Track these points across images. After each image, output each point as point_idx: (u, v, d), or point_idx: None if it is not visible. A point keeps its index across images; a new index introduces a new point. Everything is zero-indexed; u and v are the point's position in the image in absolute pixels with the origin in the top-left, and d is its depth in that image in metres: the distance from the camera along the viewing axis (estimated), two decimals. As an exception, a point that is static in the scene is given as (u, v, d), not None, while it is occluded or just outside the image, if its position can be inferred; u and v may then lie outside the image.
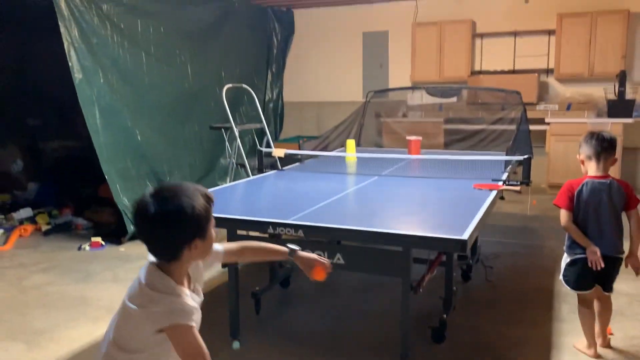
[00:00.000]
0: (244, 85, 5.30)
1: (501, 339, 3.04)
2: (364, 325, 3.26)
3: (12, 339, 3.11)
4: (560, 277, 2.85)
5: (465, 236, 2.21)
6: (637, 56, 6.78)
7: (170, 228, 1.43)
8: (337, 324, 3.29)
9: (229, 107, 5.40)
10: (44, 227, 5.42)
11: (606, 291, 2.74)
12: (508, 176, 3.67)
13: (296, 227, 2.50)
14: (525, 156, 3.46)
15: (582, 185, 2.69)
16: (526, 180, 3.37)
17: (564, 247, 2.81)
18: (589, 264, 2.63)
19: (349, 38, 8.09)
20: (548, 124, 6.72)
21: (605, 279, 2.71)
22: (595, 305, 2.82)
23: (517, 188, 3.35)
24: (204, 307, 1.61)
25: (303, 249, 1.91)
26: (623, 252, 2.71)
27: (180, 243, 1.46)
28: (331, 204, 2.99)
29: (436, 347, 2.94)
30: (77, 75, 4.71)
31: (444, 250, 3.01)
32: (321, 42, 8.26)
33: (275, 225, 2.56)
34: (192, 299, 1.51)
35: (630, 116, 6.36)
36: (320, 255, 1.97)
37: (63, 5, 4.59)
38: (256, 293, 3.37)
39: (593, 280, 2.72)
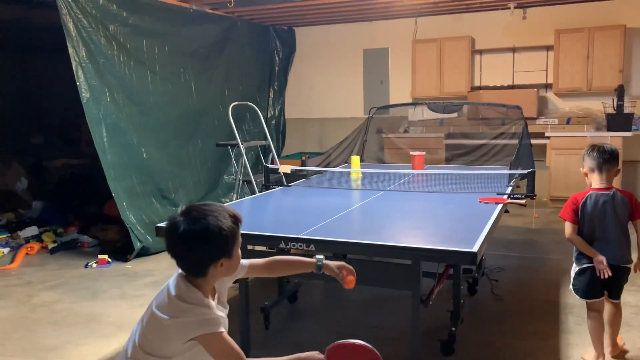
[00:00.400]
0: (249, 103, 5.38)
1: (510, 351, 3.06)
2: (372, 339, 3.26)
3: (24, 356, 3.13)
4: (570, 286, 2.89)
5: (475, 248, 2.25)
6: (634, 70, 6.88)
7: (198, 247, 1.50)
8: (345, 338, 3.30)
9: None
10: (50, 245, 5.45)
11: (612, 298, 2.80)
12: (512, 190, 3.72)
13: (308, 241, 2.54)
14: (530, 170, 3.50)
15: (586, 198, 2.75)
16: (531, 194, 3.42)
17: (573, 258, 2.86)
18: (597, 273, 2.69)
19: (349, 55, 8.20)
20: (548, 138, 6.80)
21: (612, 288, 2.78)
22: (605, 314, 2.85)
23: (523, 202, 3.40)
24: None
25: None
26: (631, 262, 2.76)
27: (206, 261, 1.53)
28: (340, 219, 3.03)
29: (446, 360, 2.96)
30: (84, 94, 4.77)
31: (454, 262, 3.04)
32: (322, 59, 8.37)
33: (287, 240, 2.60)
34: (219, 310, 1.56)
35: (629, 130, 6.44)
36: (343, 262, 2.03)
37: (71, 26, 4.68)
38: (265, 308, 3.39)
39: (602, 289, 2.78)
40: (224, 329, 1.52)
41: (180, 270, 1.59)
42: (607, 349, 2.88)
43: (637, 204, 2.76)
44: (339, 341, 1.64)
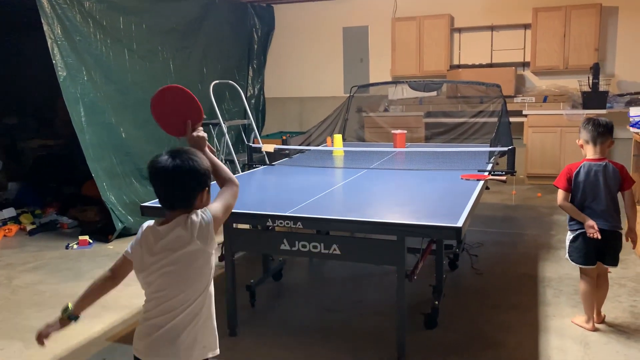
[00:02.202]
0: (231, 82, 5.33)
1: (491, 323, 3.15)
2: (357, 314, 3.34)
3: (8, 337, 3.11)
4: (566, 255, 3.04)
5: (460, 223, 2.31)
6: (609, 49, 6.99)
7: (190, 179, 1.68)
8: (331, 314, 3.36)
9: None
10: (29, 227, 5.37)
11: (608, 264, 2.95)
12: (492, 167, 3.79)
13: (295, 219, 2.56)
14: (510, 147, 3.57)
15: (580, 167, 2.91)
16: (511, 170, 3.49)
17: (567, 225, 3.03)
18: (588, 235, 2.84)
19: (329, 33, 8.15)
20: (525, 116, 6.90)
21: (606, 254, 2.92)
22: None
23: (503, 178, 3.46)
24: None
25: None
26: (621, 228, 2.93)
27: (196, 190, 1.70)
28: (325, 197, 3.06)
29: (429, 333, 3.03)
30: (61, 72, 4.68)
31: (439, 237, 3.10)
32: (301, 37, 8.31)
33: (274, 217, 2.62)
34: None
35: (604, 107, 6.57)
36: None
37: (45, 2, 4.55)
38: (251, 286, 3.42)
39: (595, 256, 2.93)
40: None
41: (150, 223, 1.75)
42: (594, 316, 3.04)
43: (627, 175, 2.91)
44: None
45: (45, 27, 4.55)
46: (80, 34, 4.89)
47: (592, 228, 2.82)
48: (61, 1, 4.69)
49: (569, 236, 2.99)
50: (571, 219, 2.97)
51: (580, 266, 2.98)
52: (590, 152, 2.93)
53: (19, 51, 7.66)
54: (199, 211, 1.70)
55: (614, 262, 2.94)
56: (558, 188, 2.96)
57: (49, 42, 4.58)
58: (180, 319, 1.66)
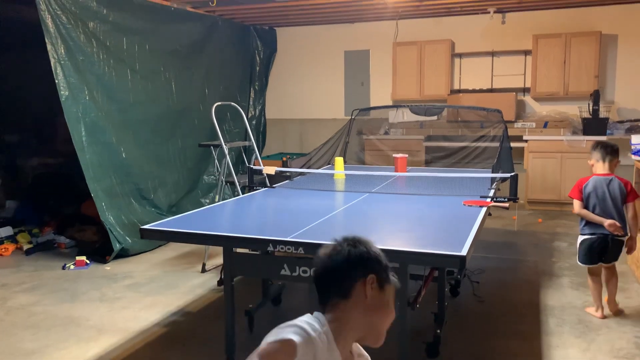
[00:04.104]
0: (233, 104, 5.34)
1: (493, 352, 3.10)
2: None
3: (2, 361, 3.05)
4: (577, 257, 3.57)
5: (464, 252, 2.27)
6: (609, 76, 7.04)
7: (346, 258, 1.43)
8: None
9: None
10: (26, 246, 5.32)
11: (607, 262, 3.45)
12: (494, 193, 3.77)
13: (297, 244, 2.52)
14: (512, 173, 3.56)
15: (589, 181, 3.44)
16: (513, 197, 3.47)
17: (579, 230, 3.53)
18: (610, 231, 3.31)
19: (330, 56, 8.21)
20: (526, 141, 6.91)
21: (607, 256, 3.42)
22: (603, 278, 3.54)
23: (505, 205, 3.45)
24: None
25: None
26: (624, 235, 3.39)
27: (354, 274, 1.42)
28: (327, 221, 3.03)
29: (431, 362, 2.98)
30: (63, 92, 4.68)
31: (443, 266, 3.06)
32: (303, 60, 8.36)
33: (275, 242, 2.58)
34: None
35: (604, 134, 6.59)
36: None
37: (50, 22, 4.57)
38: (250, 311, 3.37)
39: (598, 258, 3.43)
40: (297, 340, 1.31)
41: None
42: (607, 306, 3.53)
43: (631, 190, 3.40)
44: None
45: (49, 47, 4.56)
46: (83, 53, 4.90)
47: (613, 225, 3.28)
48: (65, 21, 4.71)
49: (579, 239, 3.50)
50: (583, 225, 3.46)
51: (586, 266, 3.50)
52: (599, 169, 3.45)
53: (20, 68, 7.68)
54: None
55: (611, 261, 3.44)
56: (573, 199, 3.46)
57: (52, 61, 4.59)
58: None
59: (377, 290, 1.43)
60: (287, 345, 1.30)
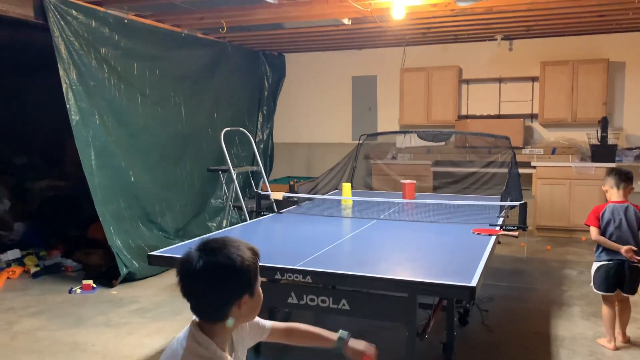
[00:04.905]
0: (242, 129, 5.38)
1: (503, 384, 3.04)
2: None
3: (6, 387, 3.03)
4: (591, 284, 3.52)
5: (474, 283, 2.25)
6: (617, 103, 7.04)
7: (220, 282, 1.36)
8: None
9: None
10: (33, 269, 5.32)
11: (626, 293, 3.42)
12: (503, 220, 3.75)
13: (304, 273, 2.51)
14: (522, 202, 3.54)
15: (606, 208, 3.45)
16: (522, 225, 3.45)
17: (594, 257, 3.50)
18: (628, 258, 3.29)
19: (338, 82, 8.27)
20: (534, 167, 6.89)
21: (624, 284, 3.39)
22: (617, 308, 3.50)
23: (515, 233, 3.42)
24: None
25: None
26: None
27: (229, 299, 1.38)
28: (335, 248, 3.02)
29: (440, 394, 2.93)
30: (74, 117, 4.72)
31: (453, 297, 3.03)
32: (311, 85, 8.43)
33: (282, 271, 2.57)
34: None
35: (613, 161, 6.55)
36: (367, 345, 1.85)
37: (63, 48, 4.64)
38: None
39: (615, 284, 3.40)
40: None
41: (190, 323, 1.45)
42: (618, 337, 3.51)
43: None
44: None
45: (61, 72, 4.63)
46: (94, 79, 4.97)
47: (629, 251, 3.28)
48: (78, 47, 4.78)
49: (594, 266, 3.48)
50: (599, 252, 3.44)
51: (602, 293, 3.44)
52: (614, 196, 3.47)
53: (30, 92, 7.80)
54: None
55: (632, 291, 3.39)
56: (590, 226, 3.46)
57: (64, 86, 4.65)
58: None
59: (250, 300, 1.42)
60: None
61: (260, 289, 1.47)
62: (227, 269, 1.36)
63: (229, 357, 1.42)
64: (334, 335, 1.76)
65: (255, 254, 1.44)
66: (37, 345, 3.63)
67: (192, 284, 1.39)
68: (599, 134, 6.62)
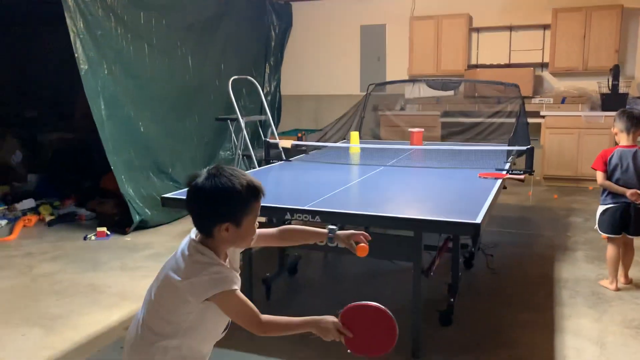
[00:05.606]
0: (249, 78, 5.36)
1: (506, 322, 3.14)
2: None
3: (30, 324, 3.17)
4: (596, 226, 3.57)
5: (478, 220, 2.31)
6: (630, 51, 6.92)
7: (204, 204, 1.52)
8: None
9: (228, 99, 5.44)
10: (48, 218, 5.45)
11: (632, 235, 3.45)
12: (510, 166, 3.78)
13: (313, 213, 2.58)
14: (529, 146, 3.56)
15: (614, 153, 3.42)
16: (529, 170, 3.48)
17: (599, 201, 3.54)
18: (632, 200, 3.31)
19: (346, 31, 8.16)
20: (543, 117, 6.86)
21: (630, 226, 3.41)
22: (621, 251, 3.55)
23: (521, 177, 3.45)
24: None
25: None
26: None
27: (211, 220, 1.52)
28: (343, 192, 3.08)
29: (444, 331, 3.04)
30: (82, 66, 4.74)
31: (457, 234, 3.10)
32: (319, 35, 8.33)
33: (292, 211, 2.64)
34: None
35: (623, 109, 6.49)
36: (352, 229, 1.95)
37: (69, -4, 4.61)
38: (267, 279, 3.45)
39: (620, 227, 3.43)
40: (237, 287, 1.53)
41: (193, 234, 1.60)
42: (620, 279, 3.57)
43: None
44: (352, 304, 1.63)
45: (68, 21, 4.61)
46: (101, 28, 4.95)
47: (634, 194, 3.28)
48: (84, -5, 4.75)
49: (600, 209, 3.50)
50: (604, 196, 3.46)
51: (607, 235, 3.47)
52: (623, 140, 3.42)
53: (39, 44, 7.77)
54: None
55: (638, 233, 3.41)
56: (596, 170, 3.44)
57: (72, 35, 4.64)
58: None
59: (235, 229, 1.53)
60: (238, 296, 1.52)
61: (252, 225, 1.58)
62: (211, 194, 1.50)
63: (224, 263, 1.57)
64: (324, 230, 1.86)
65: (252, 190, 1.54)
66: (57, 286, 3.77)
67: (188, 199, 1.56)
68: (610, 83, 6.55)
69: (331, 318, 1.59)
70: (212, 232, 1.53)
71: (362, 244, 1.83)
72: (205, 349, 1.67)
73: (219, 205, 1.50)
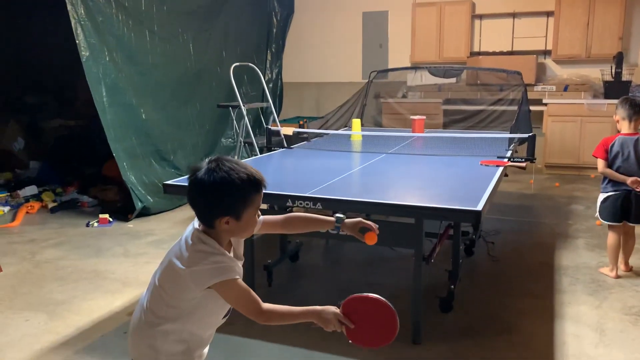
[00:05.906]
0: (251, 64, 5.34)
1: (506, 309, 3.16)
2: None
3: (33, 309, 3.20)
4: (596, 214, 3.58)
5: (479, 207, 2.32)
6: (633, 38, 6.88)
7: (203, 198, 1.52)
8: (345, 295, 3.39)
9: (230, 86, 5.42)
10: (50, 205, 5.47)
11: (632, 222, 3.45)
12: (512, 154, 3.78)
13: (315, 200, 2.59)
14: (531, 134, 3.56)
15: (615, 140, 3.42)
16: (531, 157, 3.48)
17: (600, 188, 3.55)
18: (633, 187, 3.30)
19: (348, 18, 8.11)
20: (545, 104, 6.83)
21: (631, 214, 3.41)
22: (622, 239, 3.55)
23: (523, 165, 3.46)
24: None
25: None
26: None
27: (211, 213, 1.52)
28: (344, 179, 3.08)
29: (444, 317, 3.06)
30: (84, 52, 4.72)
31: (458, 221, 3.11)
32: (321, 21, 8.28)
33: (294, 198, 2.65)
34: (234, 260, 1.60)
35: (626, 97, 6.47)
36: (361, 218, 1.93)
37: (69, -18, 4.59)
38: (268, 265, 3.47)
39: (621, 215, 3.43)
40: (238, 276, 1.54)
41: (196, 223, 1.60)
42: (621, 266, 3.59)
43: None
44: (354, 295, 1.64)
45: (69, 7, 4.59)
46: (102, 14, 4.93)
47: (635, 182, 3.27)
48: (84, -19, 4.72)
49: (601, 197, 3.51)
50: (605, 183, 3.47)
51: (608, 223, 3.48)
52: (625, 128, 3.41)
53: (41, 30, 7.74)
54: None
55: (638, 221, 3.41)
56: (597, 158, 3.44)
57: (73, 21, 4.63)
58: None
59: (235, 222, 1.53)
60: (239, 285, 1.54)
61: (253, 217, 1.57)
62: (210, 188, 1.49)
63: (226, 252, 1.57)
64: (331, 218, 1.86)
65: (254, 184, 1.53)
66: (60, 272, 3.80)
67: (189, 191, 1.55)
68: (613, 70, 6.52)
69: (333, 308, 1.59)
70: (213, 225, 1.54)
71: (371, 232, 1.81)
72: (206, 334, 1.69)
73: (218, 199, 1.50)
